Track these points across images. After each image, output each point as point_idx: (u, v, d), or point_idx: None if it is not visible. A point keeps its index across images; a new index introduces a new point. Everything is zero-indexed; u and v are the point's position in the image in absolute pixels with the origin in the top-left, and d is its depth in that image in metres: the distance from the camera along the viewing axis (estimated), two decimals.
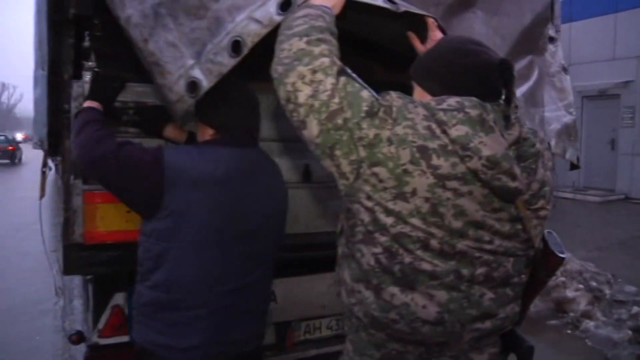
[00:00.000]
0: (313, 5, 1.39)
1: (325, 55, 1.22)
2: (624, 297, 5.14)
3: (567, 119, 2.74)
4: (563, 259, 1.30)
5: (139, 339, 1.74)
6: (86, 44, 2.03)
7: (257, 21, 1.62)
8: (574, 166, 2.75)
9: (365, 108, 1.16)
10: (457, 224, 1.14)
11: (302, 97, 1.18)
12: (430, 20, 1.73)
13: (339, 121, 1.16)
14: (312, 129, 1.18)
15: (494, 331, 1.26)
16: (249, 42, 1.62)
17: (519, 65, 2.61)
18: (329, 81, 1.18)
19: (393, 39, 2.04)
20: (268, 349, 2.53)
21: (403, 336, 1.22)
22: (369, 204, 1.18)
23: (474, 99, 1.18)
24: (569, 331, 4.66)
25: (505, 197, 1.17)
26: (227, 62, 1.63)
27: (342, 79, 1.20)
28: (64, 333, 4.53)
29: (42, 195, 2.64)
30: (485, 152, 1.12)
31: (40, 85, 2.58)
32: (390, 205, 1.15)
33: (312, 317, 2.64)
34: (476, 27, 2.49)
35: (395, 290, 1.18)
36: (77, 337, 2.49)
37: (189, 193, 1.64)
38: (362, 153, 1.16)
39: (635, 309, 4.79)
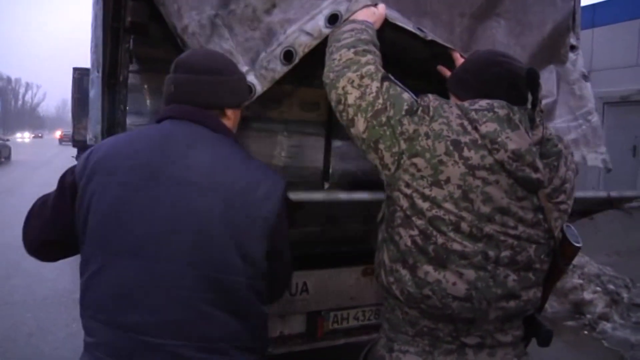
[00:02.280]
0: (357, 20, 1.64)
1: (371, 63, 1.43)
2: None
3: (585, 127, 2.82)
4: (579, 248, 1.41)
5: None
6: (130, 47, 2.19)
7: (308, 33, 1.82)
8: (607, 169, 2.81)
9: (405, 107, 1.35)
10: (485, 208, 1.29)
11: (351, 99, 1.39)
12: (455, 54, 1.92)
13: (383, 118, 1.35)
14: (359, 126, 1.38)
15: (518, 312, 1.39)
16: (300, 52, 1.81)
17: (543, 77, 2.71)
18: (375, 85, 1.38)
19: (419, 57, 2.21)
20: (299, 337, 2.69)
21: (435, 311, 1.36)
22: (408, 191, 1.34)
23: (503, 101, 1.35)
24: (585, 332, 4.74)
25: (527, 187, 1.32)
26: (280, 69, 1.83)
27: (386, 83, 1.40)
28: None
29: None
30: (511, 145, 1.28)
31: (96, 86, 2.79)
32: (427, 191, 1.31)
33: (341, 308, 2.78)
34: (499, 37, 2.60)
35: (429, 268, 1.33)
36: None
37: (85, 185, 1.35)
38: (403, 145, 1.33)
39: None
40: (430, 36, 1.96)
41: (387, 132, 1.35)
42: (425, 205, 1.32)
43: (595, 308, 4.95)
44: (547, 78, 2.71)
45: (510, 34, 2.63)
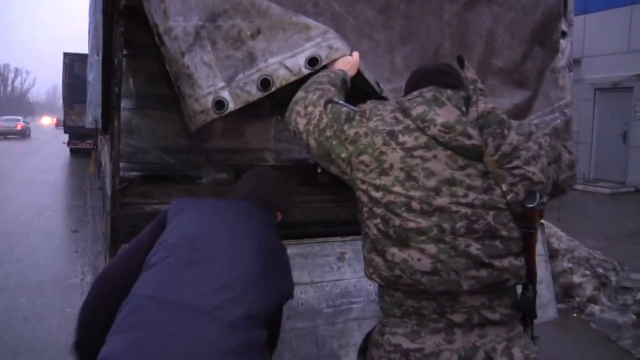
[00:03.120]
0: (327, 69, 1.89)
1: (316, 94, 1.67)
2: (630, 284, 5.29)
3: (559, 120, 2.84)
4: (530, 208, 1.41)
5: None
6: (121, 29, 2.20)
7: (288, 68, 1.95)
8: None
9: (344, 117, 1.55)
10: (430, 183, 1.40)
11: (300, 127, 1.63)
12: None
13: (328, 133, 1.55)
14: (312, 146, 1.60)
15: (495, 282, 1.41)
16: (278, 84, 1.95)
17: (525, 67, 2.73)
18: (318, 110, 1.61)
19: None
20: None
21: (411, 289, 1.43)
22: (364, 186, 1.49)
23: (431, 86, 1.52)
24: (574, 315, 4.84)
25: (466, 154, 1.42)
26: (255, 93, 1.95)
27: (329, 105, 1.61)
28: None
29: (94, 170, 2.88)
30: (440, 120, 1.43)
31: (95, 69, 2.80)
32: (377, 181, 1.45)
33: None
34: (487, 23, 2.62)
35: (394, 250, 1.43)
36: None
37: None
38: (350, 148, 1.51)
39: None
40: (384, 92, 2.15)
41: (334, 143, 1.54)
42: (379, 194, 1.45)
43: (584, 291, 5.04)
44: (528, 68, 2.72)
45: (501, 21, 2.64)
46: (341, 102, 1.63)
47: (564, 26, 2.94)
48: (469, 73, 1.58)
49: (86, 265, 5.97)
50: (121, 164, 2.63)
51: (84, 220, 8.30)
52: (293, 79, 1.97)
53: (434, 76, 1.58)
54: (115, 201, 2.39)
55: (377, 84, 2.17)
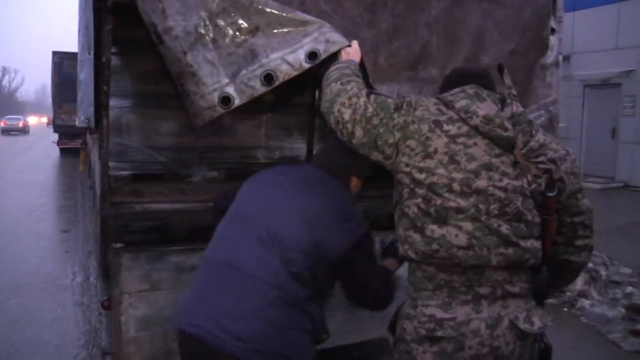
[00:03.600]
0: (341, 61, 2.02)
1: (355, 87, 1.80)
2: (619, 278, 5.35)
3: (544, 118, 2.87)
4: (550, 197, 1.62)
5: None
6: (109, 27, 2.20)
7: (289, 64, 2.02)
8: None
9: (392, 106, 1.72)
10: (471, 166, 1.59)
11: (346, 117, 1.74)
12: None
13: (375, 121, 1.70)
14: (359, 134, 1.72)
15: (519, 259, 1.60)
16: (281, 78, 2.01)
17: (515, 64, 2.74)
18: (362, 100, 1.75)
19: None
20: None
21: (445, 262, 1.59)
22: (407, 169, 1.65)
23: (472, 84, 1.70)
24: (565, 309, 4.87)
25: (501, 144, 1.61)
26: (259, 88, 2.00)
27: (372, 96, 1.76)
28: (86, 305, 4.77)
29: (83, 168, 2.86)
30: (481, 112, 1.62)
31: (87, 68, 2.78)
32: (421, 164, 1.62)
33: None
34: (476, 20, 2.63)
35: (434, 227, 1.60)
36: (109, 303, 2.68)
37: None
38: (398, 135, 1.67)
39: (629, 288, 5.00)
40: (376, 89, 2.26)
41: (381, 130, 1.69)
42: (422, 176, 1.62)
43: (575, 286, 5.07)
44: (517, 65, 2.74)
45: (490, 17, 2.65)
46: (381, 93, 1.81)
47: (553, 23, 2.95)
48: (507, 79, 1.79)
49: (76, 266, 5.93)
50: (111, 163, 2.61)
51: (74, 220, 8.25)
52: (295, 73, 2.04)
53: (473, 77, 1.75)
54: (105, 200, 2.38)
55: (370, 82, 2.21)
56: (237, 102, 1.99)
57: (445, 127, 1.62)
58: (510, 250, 1.58)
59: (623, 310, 4.61)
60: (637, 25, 11.44)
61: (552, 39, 2.95)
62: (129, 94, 2.89)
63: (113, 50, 2.81)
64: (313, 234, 1.73)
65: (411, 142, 1.64)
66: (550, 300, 5.00)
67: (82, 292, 5.16)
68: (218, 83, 1.97)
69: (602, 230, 7.50)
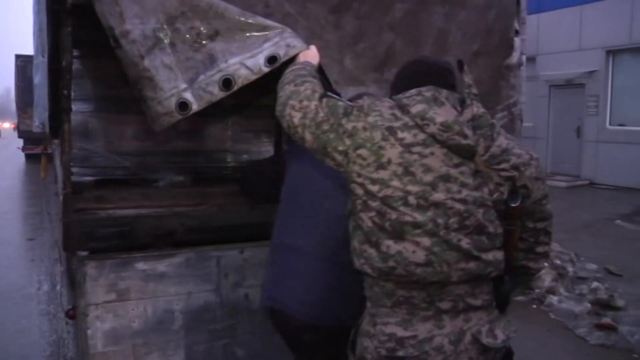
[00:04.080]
0: (297, 62, 1.95)
1: (308, 89, 1.70)
2: (585, 274, 5.48)
3: (506, 119, 2.90)
4: (514, 207, 1.53)
5: None
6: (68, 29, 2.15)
7: (248, 68, 2.00)
8: None
9: (341, 111, 1.59)
10: (427, 178, 1.47)
11: (296, 120, 1.64)
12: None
13: (325, 127, 1.59)
14: (308, 139, 1.63)
15: (481, 273, 1.51)
16: (239, 83, 1.99)
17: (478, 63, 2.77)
18: (313, 104, 1.64)
19: None
20: None
21: (403, 280, 1.50)
22: (360, 179, 1.53)
23: (430, 86, 1.56)
24: (534, 306, 4.96)
25: (461, 153, 1.50)
26: (217, 93, 1.98)
27: (324, 99, 1.65)
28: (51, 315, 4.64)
29: (44, 176, 2.78)
30: (439, 119, 1.48)
31: (41, 71, 2.71)
32: (374, 175, 1.49)
33: None
34: (439, 22, 2.66)
35: (390, 242, 1.49)
36: (74, 312, 2.61)
37: None
38: (347, 142, 1.55)
39: (595, 284, 5.12)
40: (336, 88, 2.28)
41: (331, 136, 1.57)
42: (375, 188, 1.49)
43: (543, 283, 5.17)
44: (481, 67, 2.77)
45: (453, 19, 2.68)
46: (335, 96, 1.68)
47: (516, 24, 3.00)
48: (467, 77, 1.63)
49: (42, 274, 5.78)
50: (75, 169, 2.55)
51: (40, 228, 8.04)
52: (254, 77, 2.01)
53: (434, 76, 1.61)
54: (67, 207, 2.32)
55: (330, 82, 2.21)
56: (194, 107, 1.96)
57: (400, 134, 1.48)
58: (471, 265, 1.49)
59: (589, 305, 4.71)
60: (599, 27, 11.78)
61: (517, 40, 2.99)
62: (92, 98, 2.83)
63: (75, 53, 2.76)
64: None
65: (363, 152, 1.51)
66: (519, 298, 5.09)
67: (48, 301, 5.03)
68: (175, 88, 1.94)
69: (569, 228, 7.69)
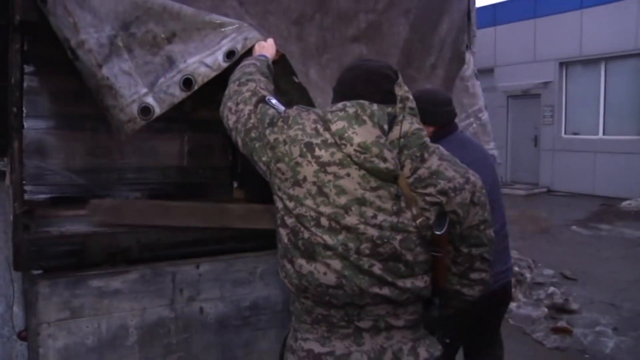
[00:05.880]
0: (249, 57, 1.89)
1: (250, 90, 1.65)
2: (542, 280, 5.63)
3: (475, 125, 2.98)
4: (438, 235, 1.44)
5: None
6: (24, 48, 2.13)
7: (207, 65, 1.98)
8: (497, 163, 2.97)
9: (267, 121, 1.52)
10: (340, 200, 1.40)
11: (230, 124, 1.63)
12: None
13: (253, 134, 1.54)
14: (239, 145, 1.60)
15: (399, 299, 1.45)
16: (200, 81, 1.97)
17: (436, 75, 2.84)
18: (248, 108, 1.59)
19: None
20: None
21: (318, 299, 1.46)
22: (279, 193, 1.49)
23: (355, 101, 1.46)
24: None
25: (379, 176, 1.40)
26: (179, 94, 1.96)
27: (260, 105, 1.59)
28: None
29: None
30: (357, 139, 1.39)
31: None
32: (291, 191, 1.44)
33: None
34: (403, 33, 2.70)
35: (302, 261, 1.45)
36: (26, 334, 2.55)
37: None
38: (269, 154, 1.49)
39: (551, 289, 5.27)
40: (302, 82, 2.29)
41: (257, 145, 1.52)
42: (291, 204, 1.45)
43: None
44: (439, 77, 2.84)
45: (416, 31, 2.73)
46: (272, 102, 1.59)
47: (466, 39, 3.09)
48: (400, 91, 1.51)
49: None
50: (28, 187, 2.50)
51: None
52: (214, 74, 2.00)
53: (370, 86, 1.50)
54: (18, 226, 2.27)
55: (295, 75, 2.22)
56: (157, 111, 1.94)
57: (317, 151, 1.41)
58: (386, 290, 1.43)
59: (546, 309, 4.84)
60: (551, 40, 12.21)
61: (468, 54, 3.08)
62: (45, 115, 2.79)
63: (29, 69, 2.72)
64: None
65: (282, 166, 1.45)
66: None
67: (2, 323, 4.86)
68: (136, 94, 1.92)
69: (527, 235, 7.90)
